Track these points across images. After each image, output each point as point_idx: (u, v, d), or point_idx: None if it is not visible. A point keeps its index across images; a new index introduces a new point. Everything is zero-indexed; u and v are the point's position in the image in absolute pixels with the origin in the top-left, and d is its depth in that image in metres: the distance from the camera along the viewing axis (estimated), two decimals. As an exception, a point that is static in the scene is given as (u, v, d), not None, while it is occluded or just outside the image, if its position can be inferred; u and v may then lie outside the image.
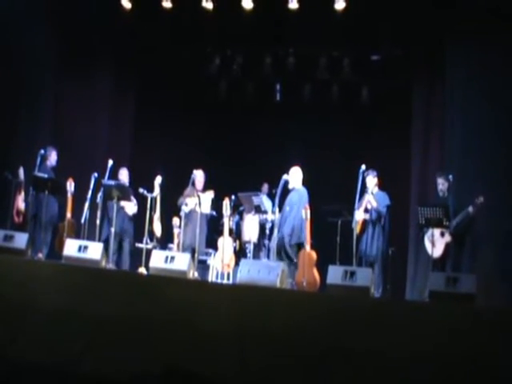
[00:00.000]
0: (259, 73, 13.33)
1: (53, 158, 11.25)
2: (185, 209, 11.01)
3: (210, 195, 11.41)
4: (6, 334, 7.40)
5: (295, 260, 10.22)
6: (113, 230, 10.66)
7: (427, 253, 9.87)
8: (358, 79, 12.94)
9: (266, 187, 12.63)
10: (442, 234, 9.66)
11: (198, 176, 11.37)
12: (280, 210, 10.56)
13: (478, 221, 9.66)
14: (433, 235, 9.52)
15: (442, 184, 10.11)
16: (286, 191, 10.71)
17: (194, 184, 11.23)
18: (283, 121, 13.85)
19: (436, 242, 9.63)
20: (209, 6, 11.21)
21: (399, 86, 12.39)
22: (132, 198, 11.51)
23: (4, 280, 8.13)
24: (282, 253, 10.39)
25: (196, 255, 10.41)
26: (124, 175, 11.82)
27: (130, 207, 11.64)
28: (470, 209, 9.48)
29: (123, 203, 11.48)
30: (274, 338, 6.99)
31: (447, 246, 9.64)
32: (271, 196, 11.35)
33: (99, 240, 10.21)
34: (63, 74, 12.41)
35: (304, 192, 10.72)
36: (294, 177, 10.73)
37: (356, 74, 12.82)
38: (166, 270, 8.94)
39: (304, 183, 10.87)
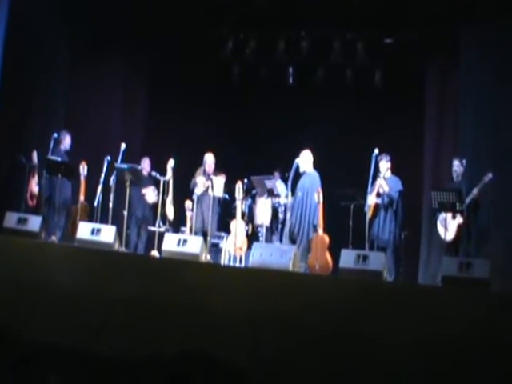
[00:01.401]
0: (272, 56, 13.25)
1: (67, 141, 11.29)
2: (196, 191, 11.05)
3: (222, 179, 11.44)
4: (20, 315, 7.45)
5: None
6: (124, 213, 10.74)
7: (440, 237, 9.84)
8: (372, 63, 12.84)
9: (276, 175, 12.59)
10: (454, 217, 9.58)
11: (209, 159, 11.40)
12: (293, 194, 10.58)
13: (491, 205, 9.58)
14: (445, 219, 9.48)
15: (457, 166, 9.96)
16: (298, 175, 10.73)
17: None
18: (296, 104, 13.78)
19: (448, 225, 9.58)
20: (222, -11, 11.17)
21: (413, 70, 12.31)
22: (153, 187, 11.61)
23: (18, 262, 8.19)
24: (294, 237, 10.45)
25: (208, 238, 10.43)
26: (146, 164, 11.91)
27: (150, 195, 11.71)
28: (475, 191, 9.39)
29: (144, 191, 11.66)
30: (286, 321, 7.02)
31: (459, 227, 9.56)
32: (284, 180, 11.35)
33: (113, 223, 10.23)
34: (77, 58, 12.42)
35: (315, 176, 10.73)
36: (304, 160, 10.73)
37: (369, 58, 12.72)
38: (178, 253, 8.99)
39: (317, 167, 10.87)
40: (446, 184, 10.39)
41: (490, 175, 9.23)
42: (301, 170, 10.73)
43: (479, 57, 10.76)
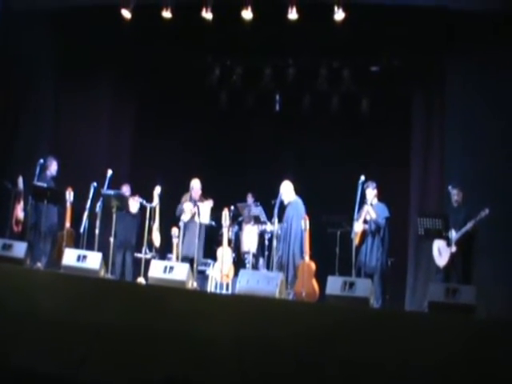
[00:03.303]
0: (259, 83, 13.33)
1: (53, 168, 11.26)
2: (183, 218, 11.06)
3: (209, 204, 11.45)
4: (5, 342, 7.39)
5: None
6: (111, 239, 10.72)
7: (427, 263, 9.86)
8: (358, 90, 12.93)
9: (249, 197, 12.69)
10: (449, 244, 9.59)
11: (195, 185, 11.43)
12: (279, 221, 10.62)
13: (479, 232, 9.60)
14: (437, 244, 9.48)
15: (457, 195, 9.96)
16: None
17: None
18: (283, 131, 13.85)
19: (442, 251, 9.62)
20: (208, 16, 11.19)
21: (399, 97, 12.39)
22: (133, 197, 11.67)
23: (3, 289, 8.12)
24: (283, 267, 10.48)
25: (195, 265, 10.40)
26: (126, 191, 11.88)
27: (133, 205, 11.74)
28: (469, 225, 9.41)
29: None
30: (273, 349, 6.98)
31: (452, 256, 9.58)
32: (263, 205, 11.40)
33: (99, 250, 10.18)
34: (63, 83, 12.44)
35: (297, 203, 10.82)
36: (285, 191, 10.85)
37: (356, 85, 12.81)
38: (164, 280, 8.94)
39: (303, 194, 10.92)
40: (446, 211, 10.33)
41: (486, 211, 9.23)
42: (285, 202, 10.81)
43: (464, 82, 10.85)
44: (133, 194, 11.89)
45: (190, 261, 10.59)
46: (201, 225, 11.09)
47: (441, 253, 9.65)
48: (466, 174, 10.54)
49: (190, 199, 11.35)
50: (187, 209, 11.18)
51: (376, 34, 11.30)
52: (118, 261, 11.67)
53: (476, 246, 9.69)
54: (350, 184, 10.18)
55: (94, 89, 12.92)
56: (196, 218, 11.03)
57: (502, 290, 9.74)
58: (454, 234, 9.48)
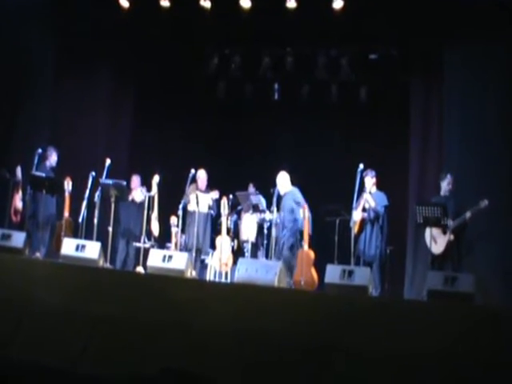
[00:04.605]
0: (257, 72, 13.31)
1: (53, 158, 11.24)
2: (189, 208, 11.09)
3: (214, 195, 11.45)
4: (4, 333, 7.39)
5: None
6: (109, 229, 10.72)
7: (426, 251, 9.85)
8: (356, 78, 12.91)
9: (251, 187, 12.68)
10: (445, 232, 9.58)
11: (201, 175, 11.43)
12: (278, 210, 10.63)
13: (478, 219, 9.59)
14: (431, 231, 9.46)
15: (452, 184, 9.94)
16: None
17: (193, 183, 11.28)
18: (281, 120, 13.83)
19: (437, 239, 9.60)
20: (207, 5, 11.19)
21: (397, 85, 12.38)
22: (141, 188, 11.68)
23: (1, 279, 8.12)
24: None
25: (196, 255, 10.46)
26: (135, 181, 11.92)
27: (138, 195, 11.70)
28: (468, 214, 9.41)
29: (132, 194, 11.72)
30: (272, 337, 6.98)
31: (449, 243, 9.58)
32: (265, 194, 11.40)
33: (97, 239, 10.18)
34: (62, 72, 12.40)
35: (293, 193, 10.81)
36: (281, 183, 10.83)
37: (354, 73, 12.80)
38: (163, 269, 8.96)
39: (302, 182, 10.91)
40: (432, 198, 10.37)
41: (486, 202, 9.22)
42: (282, 193, 10.79)
43: (462, 68, 10.83)
44: (142, 185, 11.87)
45: (198, 250, 10.69)
46: (206, 214, 11.16)
47: (436, 240, 9.62)
48: (464, 161, 10.54)
49: (197, 190, 11.35)
50: (193, 199, 11.18)
51: (374, 22, 11.27)
52: (121, 249, 11.67)
53: (468, 233, 9.70)
54: (349, 172, 10.17)
55: (93, 78, 12.90)
56: (195, 206, 11.04)
57: (498, 278, 9.77)
58: (450, 222, 9.48)
